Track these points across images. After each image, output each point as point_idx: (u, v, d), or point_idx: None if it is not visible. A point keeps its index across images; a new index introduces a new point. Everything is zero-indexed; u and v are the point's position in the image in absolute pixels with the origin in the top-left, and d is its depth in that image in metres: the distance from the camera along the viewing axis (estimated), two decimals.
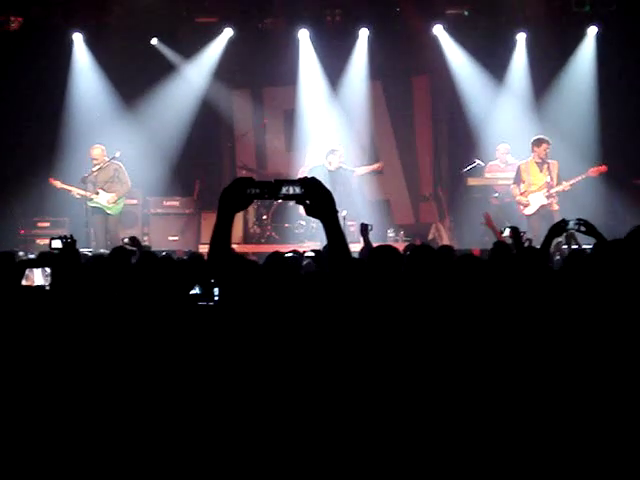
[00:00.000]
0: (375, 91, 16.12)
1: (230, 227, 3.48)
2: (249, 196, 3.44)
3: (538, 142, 13.16)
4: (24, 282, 5.80)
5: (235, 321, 3.57)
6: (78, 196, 13.43)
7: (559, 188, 13.03)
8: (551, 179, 13.10)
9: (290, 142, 16.38)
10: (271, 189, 3.45)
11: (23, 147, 14.75)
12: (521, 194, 13.24)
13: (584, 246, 8.27)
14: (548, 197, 13.07)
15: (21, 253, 10.24)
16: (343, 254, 3.51)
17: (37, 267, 5.70)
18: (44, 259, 6.20)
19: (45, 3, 14.63)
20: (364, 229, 8.43)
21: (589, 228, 6.06)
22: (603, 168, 13.13)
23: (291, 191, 3.46)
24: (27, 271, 6.19)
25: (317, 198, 3.46)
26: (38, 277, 5.67)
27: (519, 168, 13.36)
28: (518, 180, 13.31)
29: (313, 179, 3.48)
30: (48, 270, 5.67)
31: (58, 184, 13.56)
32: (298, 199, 3.47)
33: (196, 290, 5.00)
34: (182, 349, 3.64)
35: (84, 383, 4.01)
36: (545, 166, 13.13)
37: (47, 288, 5.65)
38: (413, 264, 5.22)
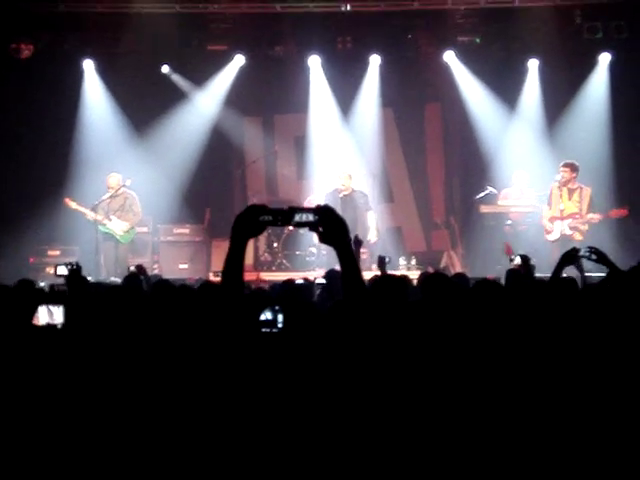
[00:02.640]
0: (386, 118, 16.09)
1: (243, 254, 3.44)
2: (262, 223, 3.42)
3: (563, 166, 13.13)
4: None
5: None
6: (91, 219, 13.40)
7: (578, 223, 12.93)
8: (580, 208, 13.02)
9: (301, 169, 16.35)
10: (284, 216, 3.43)
11: (34, 175, 14.73)
12: (549, 219, 13.19)
13: (596, 274, 8.19)
14: (572, 228, 12.98)
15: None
16: (356, 281, 3.46)
17: (49, 303, 5.58)
18: (54, 295, 6.12)
19: (56, 31, 14.68)
20: (381, 262, 8.40)
21: (600, 256, 6.09)
22: (624, 212, 13.01)
23: (304, 218, 3.43)
24: None
25: (330, 225, 3.44)
26: (43, 315, 5.56)
27: (551, 190, 13.30)
28: (549, 202, 13.30)
29: (326, 207, 3.47)
30: (54, 308, 5.57)
31: (73, 205, 13.52)
32: (311, 226, 3.42)
33: (265, 316, 4.95)
34: (245, 376, 3.58)
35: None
36: (576, 193, 13.08)
37: (58, 326, 5.53)
38: (428, 292, 5.16)
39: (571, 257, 6.21)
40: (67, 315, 5.36)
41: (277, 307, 5.10)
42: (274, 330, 4.90)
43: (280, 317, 4.88)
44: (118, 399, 4.02)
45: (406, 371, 3.83)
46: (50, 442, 3.95)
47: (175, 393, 3.89)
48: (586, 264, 6.70)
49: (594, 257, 6.15)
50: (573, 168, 13.09)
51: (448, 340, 4.13)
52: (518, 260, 7.69)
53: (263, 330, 4.80)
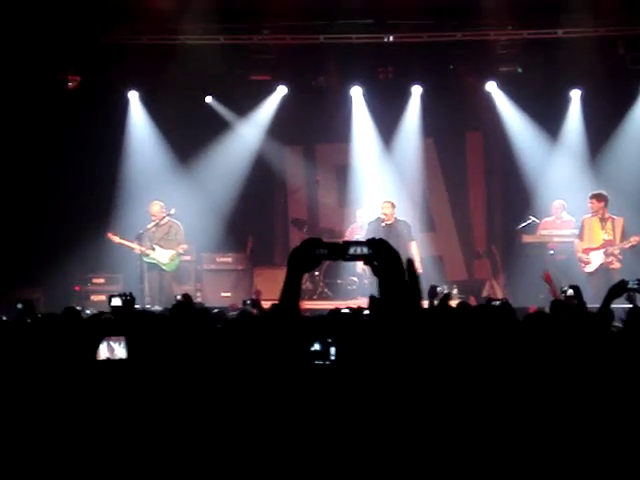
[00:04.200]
0: (428, 148, 16.14)
1: (299, 287, 3.48)
2: (318, 257, 3.45)
3: (590, 198, 13.10)
4: None
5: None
6: (138, 251, 13.47)
7: (615, 249, 12.87)
8: (613, 237, 12.95)
9: (343, 198, 16.42)
10: (339, 250, 3.47)
11: (79, 203, 14.91)
12: (583, 251, 13.14)
13: None
14: (608, 256, 12.90)
15: (78, 308, 10.26)
16: (414, 314, 3.48)
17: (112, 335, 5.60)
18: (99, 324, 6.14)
19: (102, 62, 14.88)
20: (433, 292, 8.32)
21: None
22: None
23: (359, 251, 3.47)
24: None
25: (385, 259, 3.46)
26: (103, 350, 5.58)
27: (583, 222, 13.28)
28: (581, 235, 13.24)
29: (381, 240, 3.49)
30: (114, 344, 5.59)
31: (116, 239, 13.61)
32: (366, 259, 3.46)
33: (315, 347, 4.95)
34: (298, 407, 3.60)
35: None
36: (609, 222, 13.02)
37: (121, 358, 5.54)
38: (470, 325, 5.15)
39: (620, 289, 6.14)
40: (128, 347, 5.40)
41: (329, 339, 5.10)
42: (327, 362, 4.89)
43: (332, 349, 4.87)
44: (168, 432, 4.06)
45: (464, 407, 3.83)
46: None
47: (227, 425, 3.91)
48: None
49: None
50: (599, 198, 13.03)
51: (502, 374, 4.14)
52: (570, 292, 7.53)
53: (316, 362, 4.80)
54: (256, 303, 8.50)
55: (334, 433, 3.45)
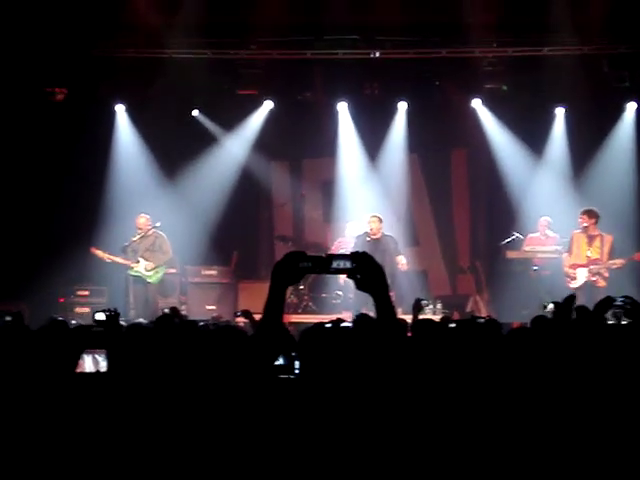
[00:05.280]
0: (413, 164, 16.20)
1: (283, 300, 3.48)
2: (301, 270, 3.45)
3: (581, 213, 13.16)
4: None
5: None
6: (122, 263, 13.51)
7: (600, 268, 12.91)
8: (601, 254, 12.99)
9: (328, 213, 16.45)
10: (322, 263, 3.47)
11: (66, 216, 14.86)
12: (570, 266, 13.18)
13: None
14: (593, 274, 12.94)
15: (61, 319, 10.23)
16: (393, 329, 3.50)
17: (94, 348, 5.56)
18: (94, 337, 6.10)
19: (89, 75, 14.89)
20: (417, 305, 8.30)
21: (635, 308, 6.01)
22: None
23: (342, 265, 3.47)
24: None
25: (368, 272, 3.47)
26: (89, 363, 5.53)
27: (572, 237, 13.33)
28: (570, 249, 13.29)
29: (364, 253, 3.50)
30: (98, 356, 5.56)
31: (99, 253, 13.65)
32: (349, 273, 3.48)
33: (280, 361, 4.92)
34: (262, 422, 3.58)
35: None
36: (597, 240, 13.05)
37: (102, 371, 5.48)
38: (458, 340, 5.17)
39: (607, 306, 6.14)
40: (110, 361, 5.37)
41: (293, 353, 5.07)
42: (291, 376, 4.86)
43: (297, 363, 4.83)
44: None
45: (441, 423, 3.83)
46: None
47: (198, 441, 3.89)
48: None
49: (628, 307, 6.08)
50: (591, 215, 13.06)
51: (485, 389, 4.15)
52: (551, 306, 7.52)
53: (280, 376, 4.77)
54: (248, 314, 8.43)
55: (300, 447, 3.41)
